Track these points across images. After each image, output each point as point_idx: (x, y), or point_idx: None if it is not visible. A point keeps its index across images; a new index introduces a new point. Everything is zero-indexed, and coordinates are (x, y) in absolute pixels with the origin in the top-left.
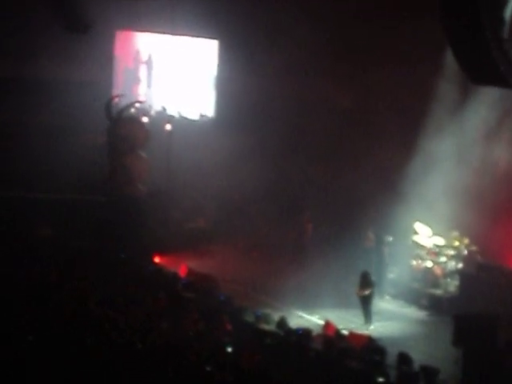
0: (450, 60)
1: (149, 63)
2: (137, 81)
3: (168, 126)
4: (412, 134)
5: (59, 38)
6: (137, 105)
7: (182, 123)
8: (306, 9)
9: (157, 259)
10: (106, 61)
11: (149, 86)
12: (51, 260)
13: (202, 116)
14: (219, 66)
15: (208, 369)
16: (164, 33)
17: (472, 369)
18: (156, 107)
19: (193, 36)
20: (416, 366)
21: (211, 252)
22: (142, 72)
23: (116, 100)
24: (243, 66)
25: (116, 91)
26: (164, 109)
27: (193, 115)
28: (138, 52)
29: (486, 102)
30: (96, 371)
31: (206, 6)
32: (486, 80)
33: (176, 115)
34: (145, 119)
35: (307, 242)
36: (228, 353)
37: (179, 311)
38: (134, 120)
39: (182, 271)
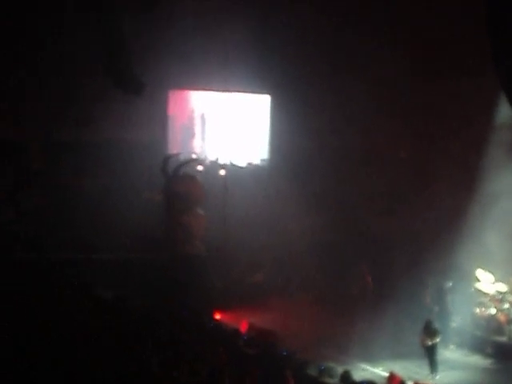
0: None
1: (202, 119)
2: (192, 136)
3: (222, 172)
4: (471, 179)
5: (115, 100)
6: (193, 156)
7: (235, 170)
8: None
9: (218, 316)
10: (161, 120)
11: (203, 139)
12: (111, 322)
13: (249, 164)
14: (271, 119)
15: None
16: (217, 90)
17: None
18: (210, 158)
19: (245, 92)
20: None
21: (271, 307)
22: (197, 127)
23: (171, 158)
24: (294, 118)
25: (173, 149)
26: (217, 159)
27: (242, 163)
28: (192, 110)
29: None
30: None
31: (257, 63)
32: None
33: (228, 163)
34: (200, 167)
35: (369, 294)
36: None
37: (241, 368)
38: (190, 177)
39: (243, 327)
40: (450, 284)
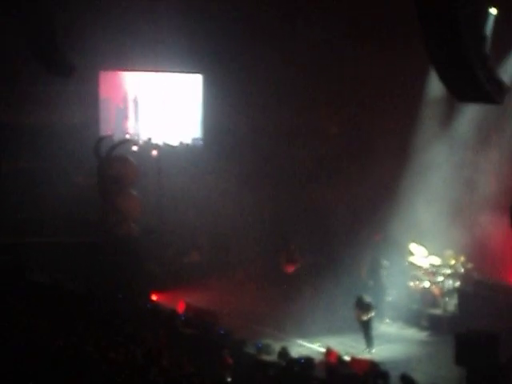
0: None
1: (135, 101)
2: (125, 118)
3: (154, 152)
4: (403, 153)
5: (45, 83)
6: (127, 136)
7: (169, 150)
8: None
9: (154, 297)
10: (93, 101)
11: (136, 120)
12: (47, 305)
13: (181, 144)
14: (204, 98)
15: None
16: (149, 70)
17: None
18: (143, 138)
19: (177, 71)
20: None
21: (208, 286)
22: (131, 109)
23: (104, 140)
24: (226, 97)
25: (106, 130)
26: (150, 139)
27: (175, 142)
28: (126, 92)
29: (474, 117)
30: None
31: (188, 42)
32: (471, 98)
33: (160, 143)
34: (134, 148)
35: (297, 269)
36: None
37: (179, 347)
38: (123, 159)
39: (180, 307)
40: (385, 259)
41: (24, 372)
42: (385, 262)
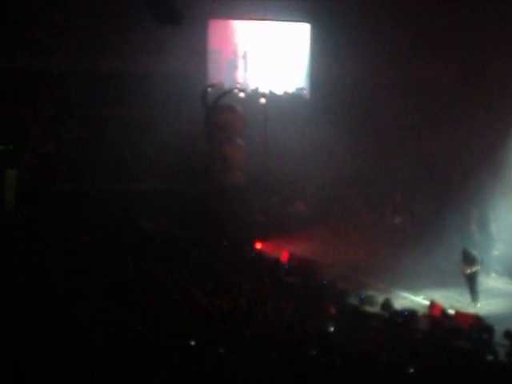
0: None
1: (245, 51)
2: (235, 68)
3: (262, 100)
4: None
5: (154, 31)
6: (237, 86)
7: (276, 100)
8: None
9: (258, 245)
10: (201, 51)
11: (245, 70)
12: (156, 251)
13: (285, 93)
14: (311, 49)
15: (313, 353)
16: (257, 19)
17: None
18: (251, 87)
19: (285, 20)
20: None
21: (311, 236)
22: (240, 60)
23: (212, 88)
24: (335, 48)
25: (214, 80)
26: (257, 88)
27: (286, 90)
28: (235, 43)
29: None
30: (203, 356)
31: None
32: None
33: (267, 92)
34: (242, 95)
35: (403, 221)
36: (333, 336)
37: (282, 296)
38: (230, 108)
39: (284, 256)
40: (494, 213)
41: (137, 311)
42: (492, 217)
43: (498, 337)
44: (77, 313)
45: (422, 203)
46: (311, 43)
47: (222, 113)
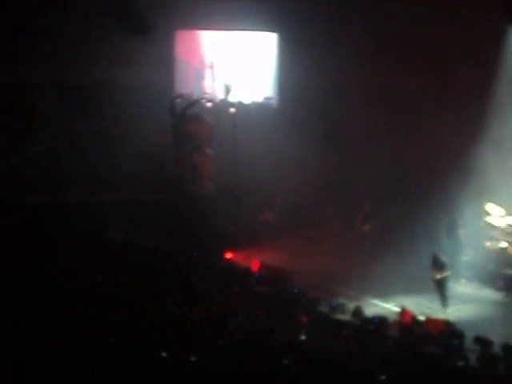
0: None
1: (212, 61)
2: (202, 78)
3: (232, 109)
4: (480, 114)
5: (121, 41)
6: (204, 95)
7: (244, 109)
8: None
9: (229, 255)
10: (168, 61)
11: (213, 80)
12: (125, 262)
13: (253, 102)
14: (279, 58)
15: (285, 362)
16: (224, 29)
17: None
18: (219, 97)
19: (252, 30)
20: (495, 347)
21: (281, 245)
22: (208, 70)
23: (179, 99)
24: (303, 57)
25: (185, 90)
26: (226, 97)
27: (255, 99)
28: (202, 53)
29: None
30: (176, 367)
31: (264, 0)
32: None
33: (235, 102)
34: (209, 104)
35: (372, 228)
36: (305, 345)
37: (254, 305)
38: (199, 117)
39: (254, 265)
40: (462, 219)
41: (106, 327)
42: (461, 222)
43: (469, 342)
44: (48, 324)
45: (392, 210)
46: (279, 53)
47: (191, 123)
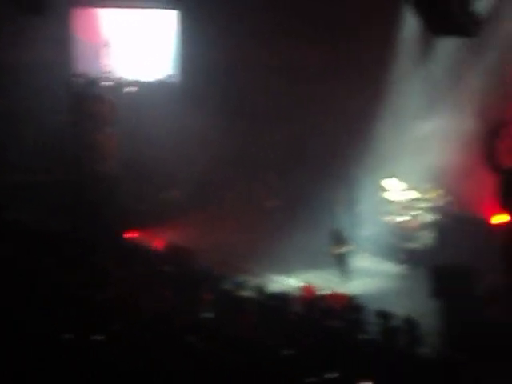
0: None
1: (110, 39)
2: (100, 57)
3: (129, 89)
4: (378, 86)
5: (13, 20)
6: (102, 75)
7: (145, 87)
8: None
9: (133, 234)
10: (65, 39)
11: (111, 59)
12: (22, 244)
13: (155, 80)
14: (181, 35)
15: (190, 340)
16: (123, 7)
17: (453, 319)
18: (118, 76)
19: (151, 8)
20: (397, 320)
21: (186, 223)
22: (105, 48)
23: (79, 78)
24: (204, 34)
25: (82, 69)
26: (124, 76)
27: (149, 79)
28: (100, 31)
29: (449, 50)
30: (78, 350)
31: None
32: (446, 31)
33: (134, 80)
34: (108, 83)
35: (275, 204)
36: (209, 322)
37: (158, 285)
38: (98, 97)
39: (159, 244)
40: (359, 194)
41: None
42: (360, 196)
43: (372, 316)
44: None
45: (294, 183)
46: (180, 30)
47: (91, 102)
